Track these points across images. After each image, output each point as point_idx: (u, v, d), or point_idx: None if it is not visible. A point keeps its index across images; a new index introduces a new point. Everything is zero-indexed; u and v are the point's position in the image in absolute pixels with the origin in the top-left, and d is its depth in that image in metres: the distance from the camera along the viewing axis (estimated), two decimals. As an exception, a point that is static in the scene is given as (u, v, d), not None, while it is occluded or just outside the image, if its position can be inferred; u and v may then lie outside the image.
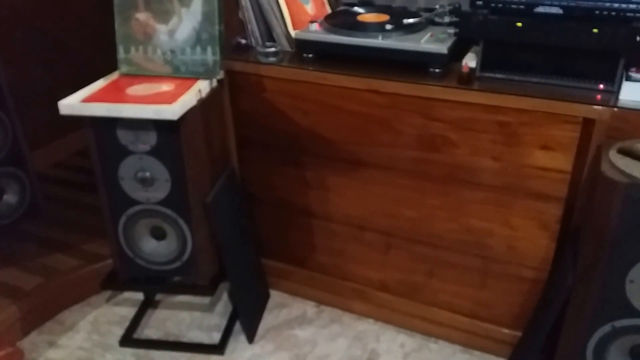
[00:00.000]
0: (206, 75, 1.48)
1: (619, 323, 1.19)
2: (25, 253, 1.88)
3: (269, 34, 1.61)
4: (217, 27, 1.44)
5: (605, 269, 1.15)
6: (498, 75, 1.36)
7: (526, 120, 1.30)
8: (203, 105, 1.44)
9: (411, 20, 1.49)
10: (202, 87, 1.44)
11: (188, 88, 1.43)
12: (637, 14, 1.19)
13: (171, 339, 1.71)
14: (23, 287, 1.73)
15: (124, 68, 1.51)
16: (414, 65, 1.41)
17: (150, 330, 1.75)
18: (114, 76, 1.52)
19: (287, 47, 1.59)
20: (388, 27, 1.47)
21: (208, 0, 1.42)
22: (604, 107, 1.23)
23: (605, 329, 1.20)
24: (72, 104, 1.37)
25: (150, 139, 1.42)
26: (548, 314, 1.31)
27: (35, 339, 1.71)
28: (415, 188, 1.50)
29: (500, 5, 1.28)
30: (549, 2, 1.25)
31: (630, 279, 1.14)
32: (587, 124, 1.25)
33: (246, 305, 1.72)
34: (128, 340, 1.70)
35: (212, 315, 1.80)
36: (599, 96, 1.26)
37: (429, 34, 1.45)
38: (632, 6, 1.19)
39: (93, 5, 2.39)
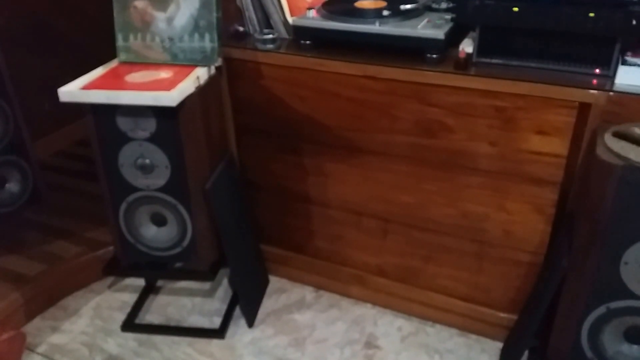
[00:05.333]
0: (204, 62, 1.48)
1: (613, 305, 1.20)
2: (28, 240, 1.90)
3: (266, 21, 1.61)
4: (214, 14, 1.45)
5: (600, 251, 1.17)
6: (495, 61, 1.36)
7: (522, 105, 1.31)
8: (201, 92, 1.45)
9: (408, 6, 1.49)
10: (200, 74, 1.45)
11: (186, 75, 1.43)
12: (633, -2, 1.19)
13: (172, 324, 1.74)
14: (26, 274, 1.75)
15: (122, 56, 1.52)
16: (411, 51, 1.41)
17: (151, 315, 1.77)
18: (113, 64, 1.53)
19: (285, 34, 1.59)
20: (385, 13, 1.47)
21: (205, -13, 1.43)
22: (599, 92, 1.23)
23: (600, 310, 1.22)
24: (71, 91, 1.38)
25: (150, 125, 1.43)
26: (543, 297, 1.33)
27: (39, 324, 1.73)
28: (412, 174, 1.51)
29: (496, -10, 1.28)
30: (545, -14, 1.25)
31: (624, 261, 1.15)
32: (583, 108, 1.26)
33: (246, 290, 1.74)
34: (130, 325, 1.72)
35: (212, 300, 1.82)
36: (595, 80, 1.27)
37: (426, 20, 1.46)
38: (628, -10, 1.19)
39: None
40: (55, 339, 1.69)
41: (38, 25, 2.32)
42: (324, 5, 1.57)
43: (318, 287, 1.85)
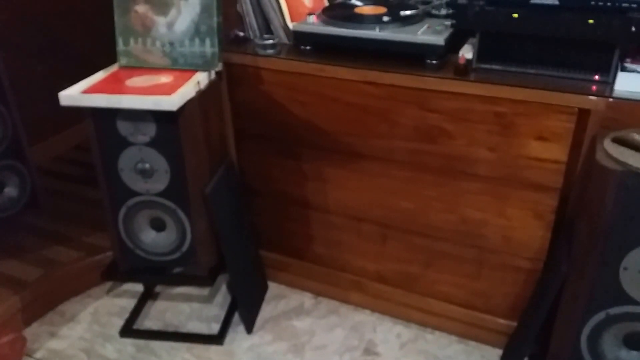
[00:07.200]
0: (205, 67, 1.49)
1: (613, 310, 1.20)
2: (26, 245, 1.89)
3: (266, 27, 1.62)
4: (215, 19, 1.45)
5: (599, 257, 1.17)
6: (494, 67, 1.37)
7: (522, 110, 1.31)
8: (202, 96, 1.45)
9: (408, 12, 1.50)
10: (200, 79, 1.45)
11: (187, 80, 1.44)
12: (632, 5, 1.20)
13: (171, 329, 1.73)
14: (24, 279, 1.74)
15: (123, 60, 1.52)
16: (410, 57, 1.42)
17: (150, 321, 1.76)
18: (114, 68, 1.53)
19: (285, 40, 1.60)
20: (385, 19, 1.48)
21: (206, -8, 1.43)
22: (599, 98, 1.24)
23: (600, 316, 1.22)
24: (72, 94, 1.38)
25: (150, 130, 1.43)
26: (543, 303, 1.33)
27: (37, 330, 1.72)
28: (411, 179, 1.51)
29: (496, -4, 1.29)
30: (545, -7, 1.26)
31: (624, 267, 1.15)
32: (583, 114, 1.26)
33: (245, 296, 1.74)
34: (128, 330, 1.71)
35: (211, 306, 1.81)
36: (594, 87, 1.27)
37: (426, 26, 1.46)
38: (627, -3, 1.20)
39: (92, -1, 2.41)
40: (54, 344, 1.68)
41: (38, 30, 2.32)
42: (324, 10, 1.58)
43: (317, 293, 1.84)
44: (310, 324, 1.74)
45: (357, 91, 1.47)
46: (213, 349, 1.66)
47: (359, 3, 1.63)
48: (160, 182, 1.49)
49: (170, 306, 1.82)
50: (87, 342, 1.68)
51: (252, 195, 1.78)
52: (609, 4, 1.21)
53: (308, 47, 1.53)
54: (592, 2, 1.22)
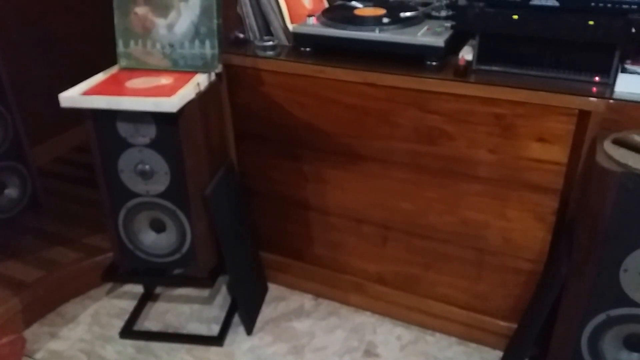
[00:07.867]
0: (205, 68, 1.49)
1: (613, 312, 1.20)
2: (27, 246, 1.89)
3: (266, 28, 1.62)
4: (215, 21, 1.45)
5: (600, 259, 1.16)
6: (494, 68, 1.37)
7: (522, 112, 1.31)
8: (202, 98, 1.45)
9: (408, 14, 1.50)
10: (200, 81, 1.46)
11: (187, 81, 1.44)
12: (633, 6, 1.20)
13: (171, 330, 1.73)
14: (24, 280, 1.74)
15: (123, 62, 1.53)
16: (410, 59, 1.41)
17: (150, 322, 1.76)
18: (114, 70, 1.53)
19: (285, 41, 1.60)
20: (385, 20, 1.48)
21: (206, -6, 1.43)
22: (599, 99, 1.23)
23: (600, 318, 1.22)
24: (72, 96, 1.39)
25: (150, 131, 1.44)
26: (543, 305, 1.32)
27: (37, 331, 1.72)
28: (411, 181, 1.51)
29: (496, -2, 1.29)
30: (545, -5, 1.26)
31: (624, 268, 1.15)
32: (583, 116, 1.26)
33: (245, 297, 1.74)
34: (128, 332, 1.71)
35: (211, 307, 1.81)
36: (594, 88, 1.27)
37: (425, 28, 1.46)
38: (627, -2, 1.20)
39: (92, 0, 2.41)
40: (54, 345, 1.68)
41: (38, 31, 2.33)
42: (324, 12, 1.58)
43: (317, 294, 1.84)
44: (310, 325, 1.74)
45: (357, 93, 1.46)
46: (213, 350, 1.66)
47: (358, 5, 1.63)
48: (160, 184, 1.49)
49: (170, 307, 1.82)
50: (87, 343, 1.68)
51: (252, 196, 1.78)
52: (609, 5, 1.21)
53: (308, 49, 1.53)
54: (593, 4, 1.22)
